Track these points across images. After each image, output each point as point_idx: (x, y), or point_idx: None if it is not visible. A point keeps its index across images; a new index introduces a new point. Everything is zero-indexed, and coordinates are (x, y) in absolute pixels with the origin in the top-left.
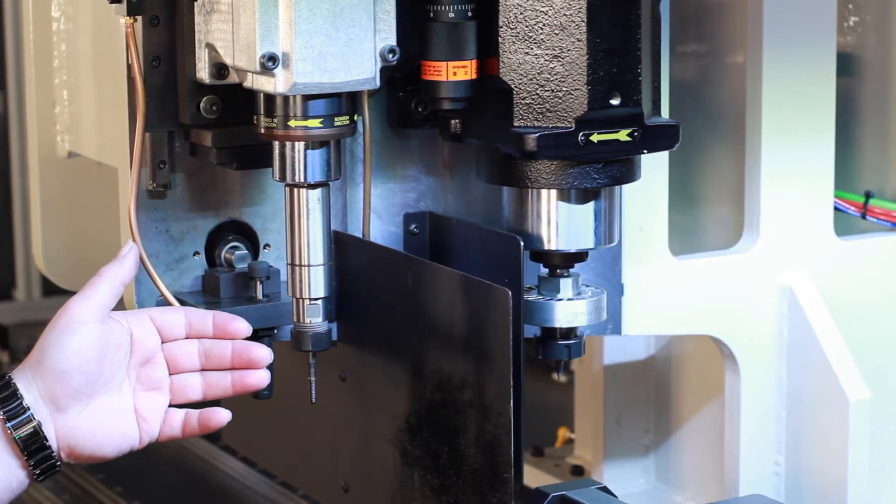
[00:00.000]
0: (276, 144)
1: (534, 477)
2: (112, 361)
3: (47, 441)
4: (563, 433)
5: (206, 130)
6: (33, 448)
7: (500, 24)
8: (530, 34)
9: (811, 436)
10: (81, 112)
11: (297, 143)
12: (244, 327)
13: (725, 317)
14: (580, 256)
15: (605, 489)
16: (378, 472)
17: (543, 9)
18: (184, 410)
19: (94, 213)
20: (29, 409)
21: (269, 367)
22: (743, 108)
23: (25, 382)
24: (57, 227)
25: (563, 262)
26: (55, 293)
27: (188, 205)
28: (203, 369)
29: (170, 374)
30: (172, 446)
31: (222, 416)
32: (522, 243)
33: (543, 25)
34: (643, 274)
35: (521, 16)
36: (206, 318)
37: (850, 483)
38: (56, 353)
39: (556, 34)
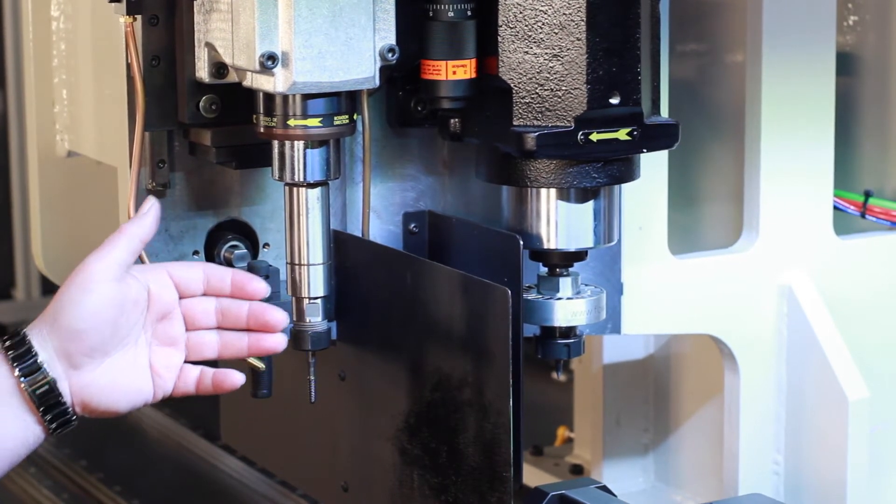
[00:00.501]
0: (276, 143)
1: (533, 476)
2: (128, 319)
3: (62, 397)
4: (562, 432)
5: (205, 129)
6: (49, 404)
7: (500, 23)
8: (530, 33)
9: (810, 435)
10: (81, 111)
11: (296, 143)
12: (262, 288)
13: (725, 316)
14: (579, 255)
15: (605, 488)
16: (377, 471)
17: (543, 8)
18: (199, 368)
19: (94, 212)
20: (43, 365)
21: (269, 362)
22: (742, 107)
23: (40, 339)
24: (56, 226)
25: (562, 262)
26: (54, 292)
27: (187, 204)
28: (219, 328)
29: (186, 331)
30: (172, 445)
31: (236, 378)
32: (522, 242)
33: (543, 24)
34: (642, 273)
35: (521, 15)
36: (224, 276)
37: (850, 482)
38: (71, 311)
39: (556, 33)
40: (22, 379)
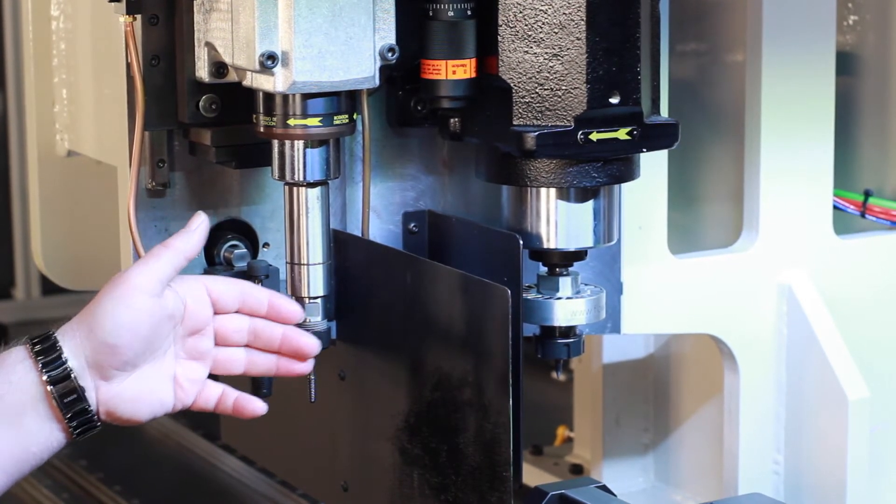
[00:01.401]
0: (276, 143)
1: (533, 476)
2: (163, 333)
3: (89, 406)
4: (562, 432)
5: (205, 129)
6: (75, 412)
7: (500, 22)
8: (529, 33)
9: (810, 435)
10: (81, 111)
11: (296, 142)
12: (298, 312)
13: (724, 315)
14: (579, 255)
15: (604, 488)
16: (377, 470)
17: (543, 7)
18: (221, 387)
19: (94, 211)
20: (73, 373)
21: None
22: (742, 106)
23: (73, 345)
24: (56, 225)
25: (562, 261)
26: (54, 292)
27: (187, 204)
28: (248, 346)
29: (215, 346)
30: (172, 445)
31: (257, 406)
32: (521, 242)
33: (543, 24)
34: (642, 273)
35: (521, 14)
36: (262, 297)
37: (849, 482)
38: (109, 325)
39: (556, 33)
40: (50, 386)
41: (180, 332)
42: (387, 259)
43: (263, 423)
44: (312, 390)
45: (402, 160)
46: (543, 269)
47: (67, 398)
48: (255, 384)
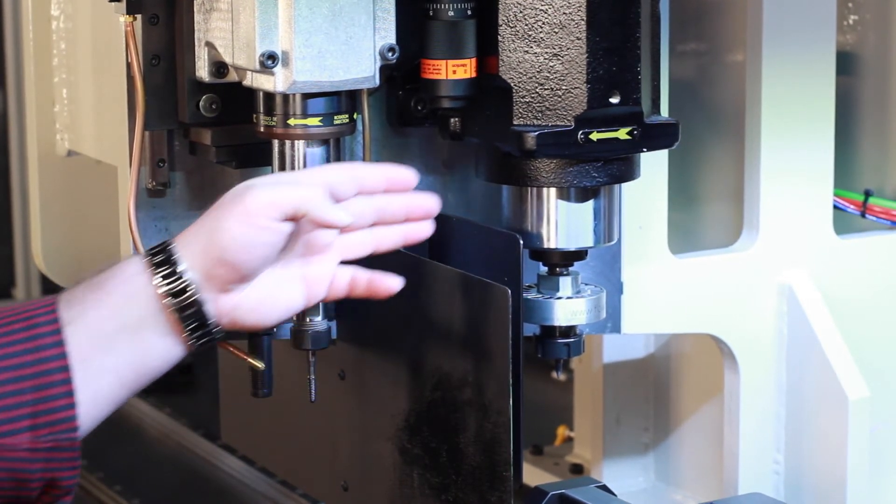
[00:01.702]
0: (276, 143)
1: (533, 475)
2: (282, 245)
3: (208, 318)
4: (562, 432)
5: (205, 129)
6: (194, 325)
7: (500, 22)
8: (530, 32)
9: (810, 434)
10: (81, 111)
11: (296, 142)
12: (413, 176)
13: (725, 315)
14: (579, 255)
15: (605, 488)
16: (377, 470)
17: (543, 7)
18: (351, 270)
19: (94, 211)
20: (192, 285)
21: (269, 361)
22: (742, 106)
23: (191, 257)
24: (56, 225)
25: (562, 261)
26: (55, 292)
27: (188, 203)
28: (374, 224)
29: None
30: (172, 445)
31: (392, 282)
32: (522, 242)
33: (543, 24)
34: (642, 272)
35: (521, 14)
36: (377, 175)
37: (850, 482)
38: (228, 242)
39: (556, 33)
40: (168, 299)
41: (302, 229)
42: (387, 259)
43: (264, 422)
44: (312, 390)
45: (403, 160)
46: (543, 269)
47: (186, 311)
48: (255, 383)
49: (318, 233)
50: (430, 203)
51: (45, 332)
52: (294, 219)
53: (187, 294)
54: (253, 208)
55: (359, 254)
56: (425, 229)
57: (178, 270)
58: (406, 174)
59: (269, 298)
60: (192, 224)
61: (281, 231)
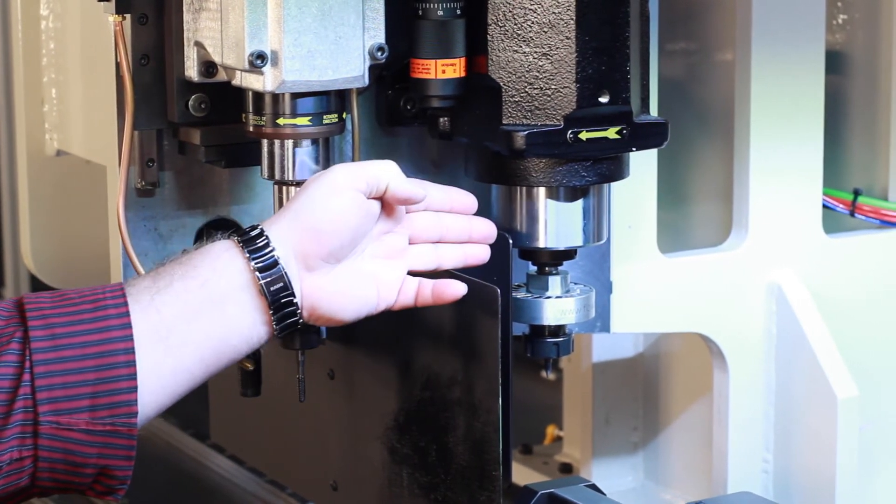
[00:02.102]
0: (265, 142)
1: (522, 475)
2: (365, 229)
3: (294, 297)
4: (551, 431)
5: (194, 128)
6: (280, 302)
7: (489, 21)
8: (519, 32)
9: (799, 433)
10: (70, 110)
11: (285, 142)
12: (474, 201)
13: (714, 314)
14: (569, 254)
15: (594, 487)
16: (366, 470)
17: (532, 7)
18: (417, 280)
19: (83, 211)
20: (280, 261)
21: (259, 361)
22: (732, 105)
23: (279, 235)
24: (45, 225)
25: (551, 260)
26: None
27: (177, 203)
28: (440, 241)
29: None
30: (161, 444)
31: (457, 288)
32: (511, 241)
33: (532, 23)
34: (632, 272)
35: (510, 14)
36: (442, 194)
37: (839, 480)
38: (319, 210)
39: (545, 32)
40: (258, 274)
41: (378, 230)
42: None
43: (253, 422)
44: (302, 390)
45: (392, 159)
46: (533, 269)
47: (273, 286)
48: (244, 383)
49: (392, 235)
50: (489, 229)
51: (112, 315)
52: (377, 196)
53: (276, 269)
54: (339, 178)
55: (424, 266)
56: (484, 253)
57: (267, 246)
58: (468, 198)
59: (346, 290)
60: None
61: (366, 205)
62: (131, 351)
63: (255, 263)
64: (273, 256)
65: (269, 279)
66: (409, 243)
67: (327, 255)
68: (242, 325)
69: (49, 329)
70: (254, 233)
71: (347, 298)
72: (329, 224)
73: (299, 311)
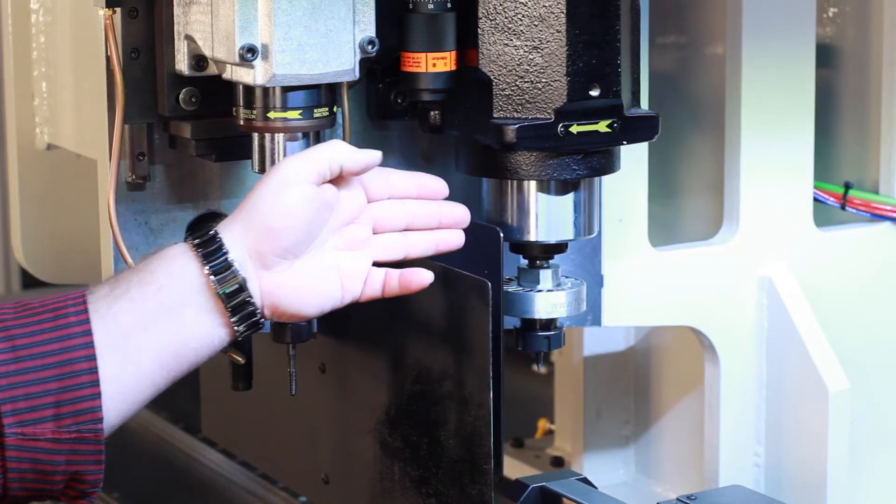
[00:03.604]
0: (256, 136)
1: (514, 468)
2: (321, 221)
3: (251, 298)
4: (542, 424)
5: (185, 122)
6: (237, 303)
7: (479, 15)
8: (509, 25)
9: (791, 427)
10: (60, 104)
11: (276, 135)
12: (444, 186)
13: (705, 308)
14: (560, 248)
15: (585, 480)
16: (358, 463)
17: (522, 0)
18: (384, 270)
19: (74, 205)
20: (234, 264)
21: (249, 355)
22: (722, 99)
23: (232, 237)
24: (36, 219)
25: (542, 254)
26: (35, 286)
27: (167, 197)
28: (407, 229)
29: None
30: (152, 438)
31: (424, 276)
32: (502, 234)
33: (522, 17)
34: (623, 265)
35: (501, 7)
36: (408, 180)
37: (830, 473)
38: (269, 208)
39: (536, 25)
40: (212, 277)
41: (337, 222)
42: None
43: (244, 416)
44: (293, 384)
45: (383, 153)
46: (524, 262)
47: (229, 288)
48: (235, 376)
49: (354, 226)
50: (462, 213)
51: (73, 322)
52: (330, 180)
53: (230, 271)
54: (287, 173)
55: (391, 256)
56: (457, 238)
57: (221, 248)
58: (437, 183)
59: (308, 285)
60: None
61: (319, 196)
62: (93, 358)
63: (209, 267)
64: (226, 259)
65: (223, 282)
66: (375, 233)
67: (283, 252)
68: (201, 328)
69: (10, 340)
70: (207, 236)
71: (309, 294)
72: (280, 221)
73: (259, 310)
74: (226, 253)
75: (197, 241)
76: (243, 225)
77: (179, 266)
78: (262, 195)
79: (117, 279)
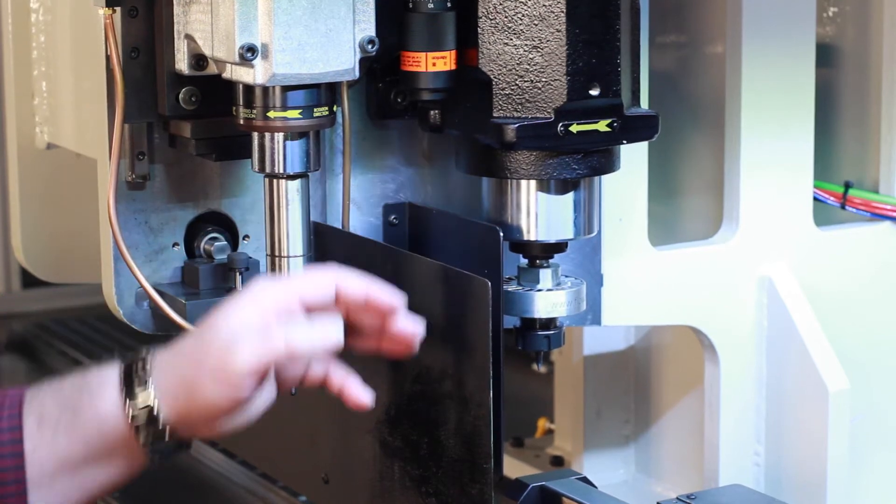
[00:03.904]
0: (256, 135)
1: (514, 467)
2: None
3: (177, 442)
4: (542, 424)
5: (185, 121)
6: (160, 447)
7: (480, 14)
8: (509, 25)
9: (791, 426)
10: (60, 103)
11: (276, 134)
12: (397, 305)
13: (705, 307)
14: (560, 247)
15: (585, 480)
16: (358, 463)
17: None
18: (325, 368)
19: (74, 204)
20: (164, 420)
21: None
22: (722, 98)
23: (167, 398)
24: (36, 218)
25: (542, 253)
26: (35, 285)
27: (167, 196)
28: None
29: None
30: None
31: (364, 399)
32: (502, 234)
33: (522, 16)
34: (623, 265)
35: (501, 6)
36: (359, 292)
37: (830, 473)
38: (208, 405)
39: (536, 25)
40: (140, 428)
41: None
42: (367, 251)
43: None
44: None
45: (383, 152)
46: (524, 261)
47: (155, 439)
48: None
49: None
50: (413, 328)
51: (4, 441)
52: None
53: (159, 426)
54: (234, 378)
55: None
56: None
57: (151, 405)
58: (389, 299)
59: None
60: (175, 345)
61: (255, 385)
62: (23, 481)
63: (139, 418)
64: (157, 414)
65: (150, 432)
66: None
67: (215, 427)
68: (126, 465)
69: None
70: (141, 385)
71: (227, 425)
72: (215, 412)
73: (181, 444)
74: (157, 410)
75: (129, 387)
76: (177, 395)
77: (107, 411)
78: (203, 385)
79: (43, 416)
